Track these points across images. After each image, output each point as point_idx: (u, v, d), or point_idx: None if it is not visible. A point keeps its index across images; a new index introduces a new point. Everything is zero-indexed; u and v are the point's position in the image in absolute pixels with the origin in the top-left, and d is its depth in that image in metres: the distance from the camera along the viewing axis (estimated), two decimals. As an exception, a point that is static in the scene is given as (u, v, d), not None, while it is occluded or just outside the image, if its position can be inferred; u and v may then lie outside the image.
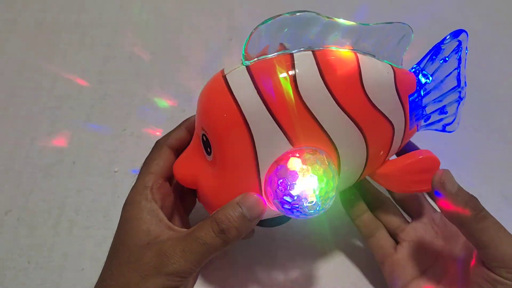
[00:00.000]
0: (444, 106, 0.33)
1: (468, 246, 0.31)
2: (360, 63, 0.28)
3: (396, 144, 0.31)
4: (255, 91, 0.26)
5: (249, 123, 0.26)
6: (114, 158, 0.42)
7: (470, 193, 0.28)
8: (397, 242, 0.34)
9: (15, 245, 0.36)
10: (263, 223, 0.31)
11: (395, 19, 0.29)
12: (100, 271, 0.28)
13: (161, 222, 0.28)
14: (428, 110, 0.33)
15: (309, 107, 0.26)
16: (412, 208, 0.35)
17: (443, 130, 0.34)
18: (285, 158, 0.26)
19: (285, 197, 0.26)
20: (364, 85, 0.27)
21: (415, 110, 0.31)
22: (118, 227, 0.29)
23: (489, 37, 0.53)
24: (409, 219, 0.35)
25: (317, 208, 0.26)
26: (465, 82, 0.32)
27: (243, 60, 0.27)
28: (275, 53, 0.26)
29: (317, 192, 0.26)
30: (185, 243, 0.26)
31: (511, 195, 0.41)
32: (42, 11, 0.53)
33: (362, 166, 0.30)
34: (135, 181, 0.30)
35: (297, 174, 0.26)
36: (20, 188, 0.40)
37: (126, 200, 0.30)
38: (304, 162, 0.26)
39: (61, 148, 0.42)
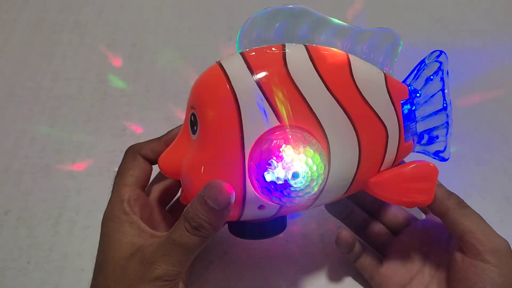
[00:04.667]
0: (432, 129, 0.32)
1: (451, 248, 0.31)
2: (350, 58, 0.28)
3: (391, 154, 0.30)
4: (246, 68, 0.26)
5: (237, 95, 0.26)
6: (114, 158, 0.42)
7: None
8: (384, 255, 0.34)
9: (15, 245, 0.36)
10: (248, 234, 0.30)
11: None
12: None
13: (143, 232, 0.28)
14: (419, 127, 0.32)
15: (298, 86, 0.26)
16: (396, 225, 0.35)
17: (437, 156, 0.33)
18: (274, 133, 0.26)
19: (270, 172, 0.25)
20: (354, 76, 0.28)
21: (409, 120, 0.31)
22: (100, 243, 0.28)
23: (489, 37, 0.53)
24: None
25: (303, 190, 0.25)
26: (450, 102, 0.32)
27: (237, 47, 0.27)
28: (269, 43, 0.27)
29: (305, 171, 0.25)
30: (165, 247, 0.26)
31: None
32: (42, 11, 0.53)
33: (355, 166, 0.29)
34: (111, 194, 0.30)
35: (287, 151, 0.25)
36: (20, 188, 0.40)
37: (104, 215, 0.29)
38: (295, 140, 0.25)
39: (61, 148, 0.42)
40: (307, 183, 0.25)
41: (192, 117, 0.28)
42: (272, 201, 0.26)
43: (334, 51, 0.28)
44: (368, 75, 0.29)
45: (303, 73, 0.27)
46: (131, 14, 0.53)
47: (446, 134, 0.32)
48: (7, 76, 0.47)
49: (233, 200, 0.26)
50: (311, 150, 0.25)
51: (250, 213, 0.28)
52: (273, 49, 0.27)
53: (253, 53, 0.27)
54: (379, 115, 0.29)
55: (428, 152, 0.33)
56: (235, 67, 0.27)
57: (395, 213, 0.35)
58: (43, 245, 0.36)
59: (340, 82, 0.28)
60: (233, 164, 0.26)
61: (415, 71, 0.33)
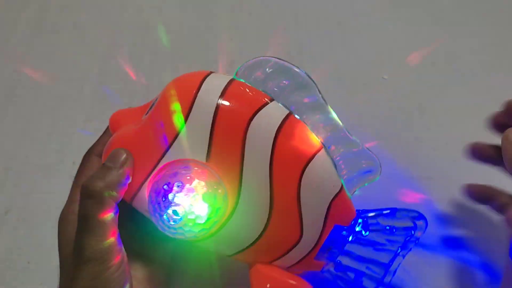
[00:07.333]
0: (363, 274, 0.30)
1: None
2: (316, 155, 0.27)
3: (292, 258, 0.29)
4: (221, 89, 0.26)
5: (190, 113, 0.26)
6: (114, 158, 0.42)
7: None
8: None
9: (15, 245, 0.36)
10: None
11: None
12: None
13: None
14: (343, 260, 0.30)
15: (245, 144, 0.26)
16: None
17: None
18: (189, 164, 0.26)
19: (163, 196, 0.25)
20: (304, 174, 0.27)
21: (333, 245, 0.29)
22: None
23: (489, 37, 0.53)
24: None
25: (174, 227, 0.25)
26: (395, 272, 0.30)
27: (234, 74, 0.27)
28: (262, 90, 0.27)
29: (193, 211, 0.25)
30: (78, 227, 0.26)
31: None
32: (42, 11, 0.53)
33: (253, 238, 0.27)
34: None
35: (189, 187, 0.25)
36: (20, 188, 0.39)
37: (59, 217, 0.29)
38: (204, 179, 0.25)
39: (61, 148, 0.42)
40: (184, 221, 0.25)
41: (153, 102, 0.28)
42: (152, 215, 0.26)
43: (309, 138, 0.27)
44: (319, 181, 0.27)
45: (260, 137, 0.26)
46: (131, 14, 0.53)
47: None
48: (7, 76, 0.47)
49: (129, 161, 0.26)
50: (216, 202, 0.25)
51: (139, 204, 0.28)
52: (263, 98, 0.27)
53: (240, 85, 0.27)
54: (303, 220, 0.27)
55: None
56: (213, 83, 0.26)
57: None
58: (43, 245, 0.36)
59: (286, 167, 0.26)
60: (149, 157, 0.26)
61: (381, 212, 0.30)
